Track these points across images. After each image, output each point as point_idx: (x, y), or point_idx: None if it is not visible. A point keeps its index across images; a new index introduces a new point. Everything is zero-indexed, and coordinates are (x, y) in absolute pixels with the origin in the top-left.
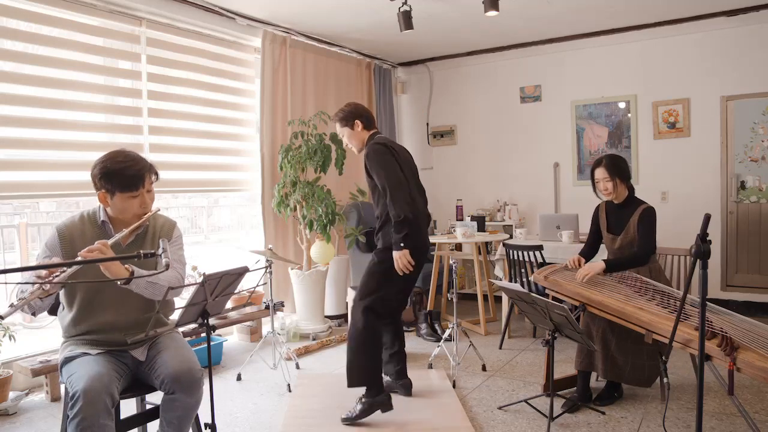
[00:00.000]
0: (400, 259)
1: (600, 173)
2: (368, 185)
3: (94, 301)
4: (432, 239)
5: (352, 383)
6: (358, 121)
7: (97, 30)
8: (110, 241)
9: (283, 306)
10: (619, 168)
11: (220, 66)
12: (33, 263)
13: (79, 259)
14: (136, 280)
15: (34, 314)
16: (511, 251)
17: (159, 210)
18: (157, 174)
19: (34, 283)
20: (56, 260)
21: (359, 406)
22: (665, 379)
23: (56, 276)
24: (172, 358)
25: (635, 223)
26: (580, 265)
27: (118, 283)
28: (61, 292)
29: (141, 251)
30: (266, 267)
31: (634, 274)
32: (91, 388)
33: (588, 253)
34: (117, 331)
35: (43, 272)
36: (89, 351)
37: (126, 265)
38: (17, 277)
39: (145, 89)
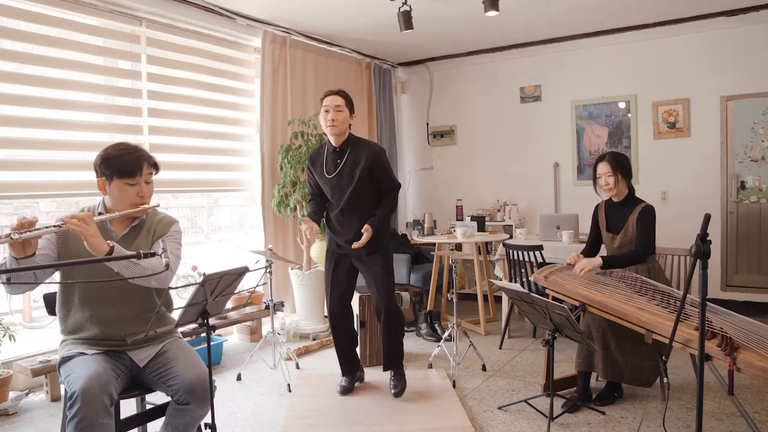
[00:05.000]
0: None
1: (603, 167)
2: (355, 176)
3: (92, 294)
4: (432, 239)
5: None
6: (354, 116)
7: (97, 30)
8: (97, 219)
9: (283, 306)
10: (621, 164)
11: (220, 66)
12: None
13: (58, 223)
14: (117, 256)
15: (8, 282)
16: (511, 251)
17: (158, 205)
18: (157, 167)
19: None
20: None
21: (402, 382)
22: (665, 379)
23: (27, 231)
24: (187, 369)
25: (634, 222)
26: (578, 259)
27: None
28: (58, 287)
29: (141, 251)
30: (266, 267)
31: (634, 273)
32: (90, 387)
33: (590, 252)
34: (116, 326)
35: (16, 225)
36: (86, 351)
37: (108, 241)
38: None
39: (145, 89)
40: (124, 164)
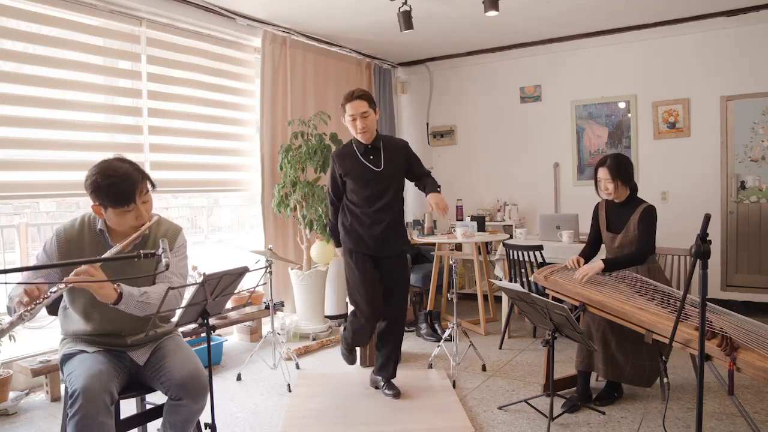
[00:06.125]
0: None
1: (602, 173)
2: (395, 171)
3: (93, 308)
4: (432, 239)
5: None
6: (378, 110)
7: (97, 30)
8: (102, 259)
9: (283, 306)
10: (621, 170)
11: (220, 66)
12: (32, 264)
13: (63, 284)
14: (127, 300)
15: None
16: (511, 251)
17: (158, 218)
18: (152, 183)
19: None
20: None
21: (396, 386)
22: (665, 379)
23: (38, 303)
24: (179, 364)
25: (635, 222)
26: (579, 265)
27: (109, 305)
28: (64, 295)
29: (141, 251)
30: (266, 267)
31: (634, 274)
32: (90, 386)
33: (590, 252)
34: (117, 338)
35: (26, 299)
36: (86, 348)
37: (115, 285)
38: (16, 277)
39: (145, 89)
40: (115, 195)
